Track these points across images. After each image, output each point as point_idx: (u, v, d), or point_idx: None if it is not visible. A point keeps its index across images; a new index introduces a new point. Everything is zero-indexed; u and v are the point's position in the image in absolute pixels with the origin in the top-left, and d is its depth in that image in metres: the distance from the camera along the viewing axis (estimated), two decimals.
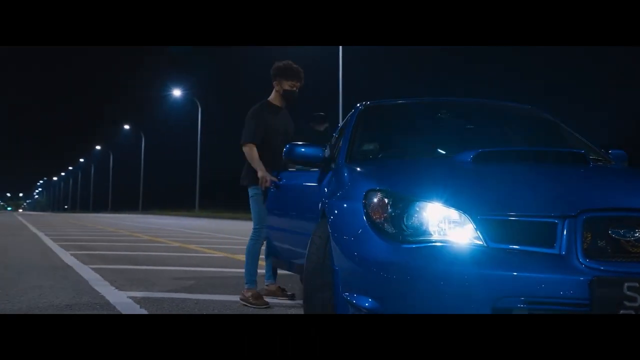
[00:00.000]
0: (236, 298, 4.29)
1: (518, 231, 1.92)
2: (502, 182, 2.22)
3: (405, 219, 2.04)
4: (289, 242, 3.73)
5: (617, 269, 1.81)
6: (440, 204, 2.02)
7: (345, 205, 2.34)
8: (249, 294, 4.03)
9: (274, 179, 4.01)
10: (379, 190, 2.18)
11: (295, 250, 3.53)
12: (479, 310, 1.81)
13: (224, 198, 49.97)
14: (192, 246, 9.69)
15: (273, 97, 4.31)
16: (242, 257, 7.67)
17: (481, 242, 1.92)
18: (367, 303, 2.05)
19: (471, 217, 1.96)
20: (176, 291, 4.54)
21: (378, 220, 2.10)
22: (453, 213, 1.99)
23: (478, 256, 1.89)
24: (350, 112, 3.88)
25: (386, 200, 2.12)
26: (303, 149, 3.19)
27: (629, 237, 1.86)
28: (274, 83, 4.27)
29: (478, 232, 1.94)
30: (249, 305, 3.97)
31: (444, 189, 2.09)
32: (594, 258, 1.84)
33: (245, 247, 4.31)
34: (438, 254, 1.93)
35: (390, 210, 2.08)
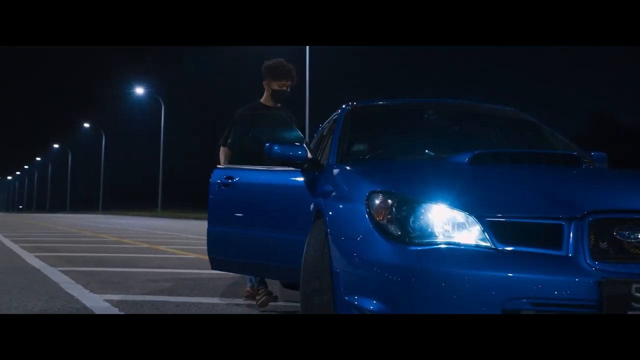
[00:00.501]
0: (216, 300, 4.22)
1: (525, 233, 1.93)
2: (506, 184, 2.23)
3: (411, 221, 2.02)
4: (254, 244, 3.46)
5: (624, 270, 1.83)
6: (447, 206, 2.01)
7: (346, 206, 2.31)
8: (259, 291, 3.91)
9: None
10: (381, 192, 2.16)
11: (265, 252, 3.38)
12: (489, 312, 1.81)
13: (186, 199, 49.41)
14: (162, 247, 9.52)
15: (265, 97, 4.18)
16: None
17: (489, 244, 1.92)
18: (372, 305, 2.03)
19: (478, 219, 1.96)
20: (154, 294, 4.44)
21: (382, 222, 2.08)
22: (460, 215, 1.98)
23: (487, 258, 1.89)
24: (336, 113, 3.85)
25: (390, 202, 2.10)
26: (285, 148, 3.10)
27: (633, 238, 1.88)
28: (264, 83, 4.14)
29: (485, 233, 1.93)
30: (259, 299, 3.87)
31: (449, 191, 2.08)
32: (601, 259, 1.86)
33: None
34: (447, 256, 1.92)
35: (395, 212, 2.06)
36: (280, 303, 4.13)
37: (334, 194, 2.53)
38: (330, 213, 2.40)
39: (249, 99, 4.33)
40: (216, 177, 3.68)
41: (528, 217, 1.95)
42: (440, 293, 1.86)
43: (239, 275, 5.70)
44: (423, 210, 2.03)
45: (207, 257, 3.61)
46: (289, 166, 3.18)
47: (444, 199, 2.03)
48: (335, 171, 2.82)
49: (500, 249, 1.90)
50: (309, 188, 3.08)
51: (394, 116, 3.62)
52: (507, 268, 1.85)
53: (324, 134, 4.25)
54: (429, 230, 1.99)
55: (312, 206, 2.93)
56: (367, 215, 2.13)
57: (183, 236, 13.45)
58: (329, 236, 2.35)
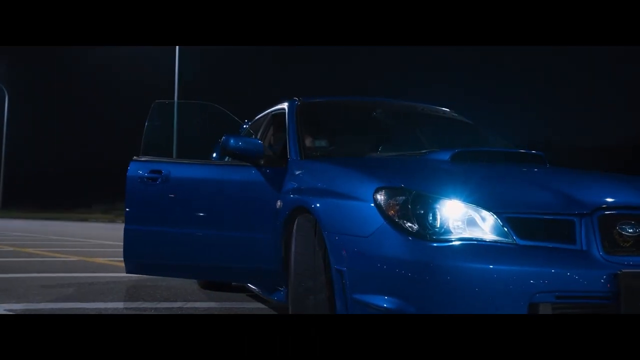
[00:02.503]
0: (137, 305, 3.88)
1: (541, 229, 1.98)
2: (512, 181, 2.28)
3: (430, 217, 2.00)
4: (193, 244, 3.22)
5: (635, 262, 1.94)
6: (463, 202, 2.01)
7: (347, 203, 2.23)
8: None
9: None
10: (390, 188, 2.11)
11: (207, 252, 3.17)
12: (517, 306, 1.83)
13: (30, 197, 45.37)
14: (31, 250, 8.62)
15: None
16: (102, 260, 7.03)
17: (510, 240, 1.95)
18: (387, 303, 1.97)
19: (497, 215, 1.98)
20: (63, 301, 3.98)
21: (397, 218, 2.03)
22: (478, 211, 1.99)
23: (512, 253, 1.91)
24: (275, 108, 3.76)
25: (403, 198, 2.05)
26: (243, 142, 2.98)
27: (633, 232, 2.01)
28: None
29: (505, 229, 1.96)
30: None
31: (463, 187, 2.08)
32: (613, 253, 1.96)
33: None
34: (473, 252, 1.91)
35: (411, 208, 2.02)
36: (200, 304, 3.90)
37: (324, 190, 2.43)
38: (325, 210, 2.30)
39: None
40: (135, 170, 3.34)
41: (542, 213, 2.01)
42: (468, 288, 1.85)
43: (145, 277, 5.33)
44: (440, 206, 2.01)
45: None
46: (244, 161, 3.03)
47: (459, 195, 2.03)
48: (317, 167, 2.73)
49: (522, 244, 1.94)
50: (270, 184, 2.94)
51: (344, 113, 3.62)
52: (532, 262, 1.88)
53: (253, 129, 4.17)
54: (449, 226, 1.98)
55: (279, 203, 2.80)
56: (378, 212, 2.07)
57: (48, 237, 12.33)
58: (325, 234, 2.25)
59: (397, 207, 2.05)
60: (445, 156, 2.54)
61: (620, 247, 1.98)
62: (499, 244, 1.93)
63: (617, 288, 1.86)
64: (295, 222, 2.50)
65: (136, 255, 3.33)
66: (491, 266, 1.86)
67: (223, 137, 3.00)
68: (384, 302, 1.98)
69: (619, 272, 1.87)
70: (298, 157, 2.95)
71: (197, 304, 3.92)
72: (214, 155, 5.00)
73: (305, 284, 2.30)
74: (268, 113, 3.96)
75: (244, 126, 4.80)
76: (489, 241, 1.94)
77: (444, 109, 3.88)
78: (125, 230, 3.29)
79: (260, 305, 3.96)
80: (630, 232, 2.00)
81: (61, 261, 6.93)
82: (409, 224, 2.00)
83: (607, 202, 2.04)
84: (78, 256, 7.50)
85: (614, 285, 1.86)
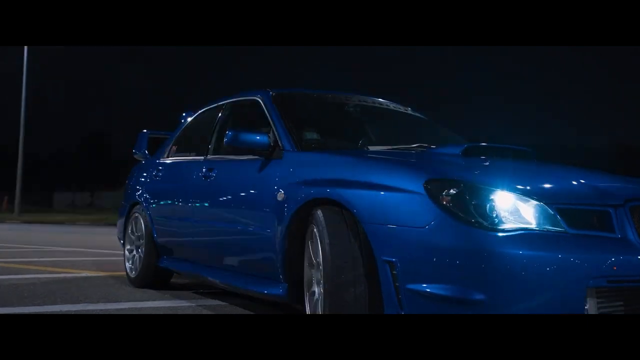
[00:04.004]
0: (82, 307, 3.53)
1: (585, 218, 2.11)
2: (547, 175, 2.41)
3: (486, 208, 2.05)
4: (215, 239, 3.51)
5: None
6: (515, 193, 2.09)
7: (394, 195, 2.22)
8: None
9: None
10: (442, 180, 2.15)
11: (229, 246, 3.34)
12: (576, 291, 1.95)
13: None
14: None
15: None
16: (21, 266, 6.31)
17: (562, 229, 2.06)
18: (446, 291, 2.03)
19: (548, 206, 2.08)
20: None
21: (454, 209, 2.06)
22: (531, 201, 2.08)
23: (567, 241, 2.02)
24: (246, 98, 3.66)
25: (456, 190, 2.10)
26: (250, 135, 3.00)
27: None
28: None
29: (558, 219, 2.07)
30: None
31: (510, 179, 2.17)
32: None
33: None
34: (533, 240, 1.99)
35: (467, 199, 2.07)
36: (152, 304, 3.66)
37: (354, 182, 2.41)
38: (362, 202, 2.30)
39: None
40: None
41: (584, 204, 2.15)
42: (532, 275, 1.94)
43: (70, 277, 4.88)
44: (495, 197, 2.08)
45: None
46: (252, 154, 3.08)
47: (508, 187, 2.12)
48: (335, 160, 2.73)
49: (572, 233, 2.06)
50: (270, 176, 2.90)
51: (318, 105, 3.62)
52: (586, 250, 2.01)
53: (200, 121, 4.23)
54: (506, 216, 2.05)
55: (281, 194, 2.73)
56: (433, 203, 2.10)
57: None
58: (365, 226, 2.25)
59: (450, 198, 2.09)
60: (456, 150, 2.62)
61: None
62: (554, 233, 2.04)
63: None
64: (319, 214, 2.43)
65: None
66: (552, 254, 1.97)
67: (227, 132, 3.01)
68: (443, 290, 2.03)
69: None
70: (294, 149, 2.92)
71: (148, 304, 3.66)
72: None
73: (344, 276, 2.26)
74: (224, 104, 3.89)
75: (182, 120, 4.61)
76: (545, 230, 2.05)
77: (405, 106, 4.00)
78: None
79: (220, 302, 3.81)
80: None
81: None
82: (467, 215, 2.05)
83: (634, 194, 2.24)
84: None
85: None
